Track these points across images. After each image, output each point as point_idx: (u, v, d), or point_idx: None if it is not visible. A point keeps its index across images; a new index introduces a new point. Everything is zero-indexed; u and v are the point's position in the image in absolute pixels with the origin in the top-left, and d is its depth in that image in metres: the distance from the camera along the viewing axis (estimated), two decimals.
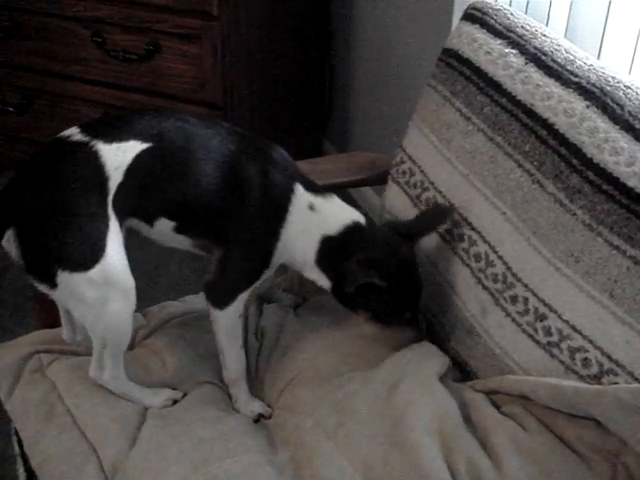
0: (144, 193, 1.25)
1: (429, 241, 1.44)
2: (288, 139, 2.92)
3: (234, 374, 1.36)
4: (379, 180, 1.69)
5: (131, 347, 1.45)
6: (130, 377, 1.34)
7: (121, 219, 1.24)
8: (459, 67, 1.47)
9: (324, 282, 1.34)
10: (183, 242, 1.35)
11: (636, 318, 1.09)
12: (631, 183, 1.12)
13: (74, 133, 1.22)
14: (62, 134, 1.23)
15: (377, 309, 1.33)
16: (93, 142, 1.20)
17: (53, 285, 1.20)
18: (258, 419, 1.33)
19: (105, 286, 1.21)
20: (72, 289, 1.21)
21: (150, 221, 1.30)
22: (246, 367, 1.39)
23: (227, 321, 1.33)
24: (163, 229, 1.31)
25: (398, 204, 1.56)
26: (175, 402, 1.32)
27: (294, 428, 1.25)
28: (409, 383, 1.24)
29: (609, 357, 1.11)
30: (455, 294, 1.38)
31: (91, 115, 2.58)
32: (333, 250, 1.31)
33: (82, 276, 1.19)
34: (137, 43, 2.48)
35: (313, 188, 1.33)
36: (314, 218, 1.30)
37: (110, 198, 1.20)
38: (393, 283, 1.28)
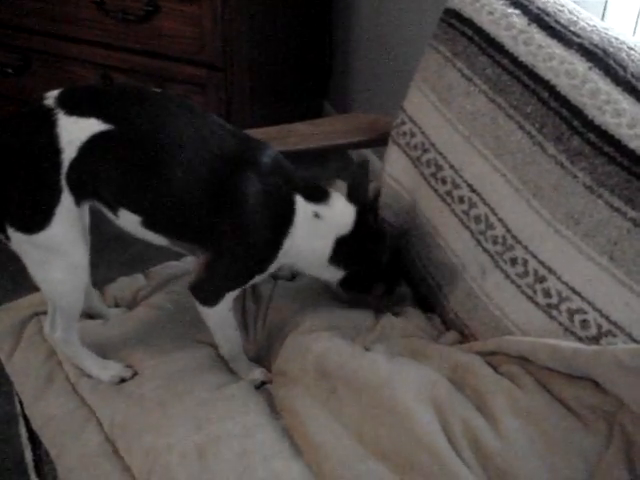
0: (99, 178, 1.18)
1: (429, 203, 1.44)
2: (288, 101, 2.94)
3: (230, 353, 1.35)
4: (380, 142, 1.68)
5: (132, 307, 1.46)
6: (129, 335, 1.35)
7: (80, 197, 1.18)
8: (461, 27, 1.45)
9: (335, 276, 1.36)
10: (157, 238, 1.26)
11: (636, 280, 1.09)
12: (632, 145, 1.11)
13: (50, 97, 1.16)
14: (44, 95, 1.18)
15: (393, 276, 1.41)
16: (57, 110, 1.14)
17: (7, 237, 1.19)
18: (260, 385, 1.33)
19: (48, 253, 1.19)
20: (19, 245, 1.19)
21: (113, 209, 1.22)
22: (246, 331, 1.39)
23: (216, 317, 1.30)
24: (128, 222, 1.23)
25: (399, 166, 1.55)
26: (123, 380, 1.29)
27: (285, 395, 1.25)
28: (387, 354, 1.26)
29: (608, 319, 1.12)
30: (455, 256, 1.38)
31: (89, 77, 2.55)
32: (350, 245, 1.32)
33: (26, 237, 1.17)
34: (136, 4, 2.43)
35: (314, 197, 1.28)
36: (322, 225, 1.29)
37: (63, 171, 1.15)
38: (399, 252, 1.42)
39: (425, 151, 1.48)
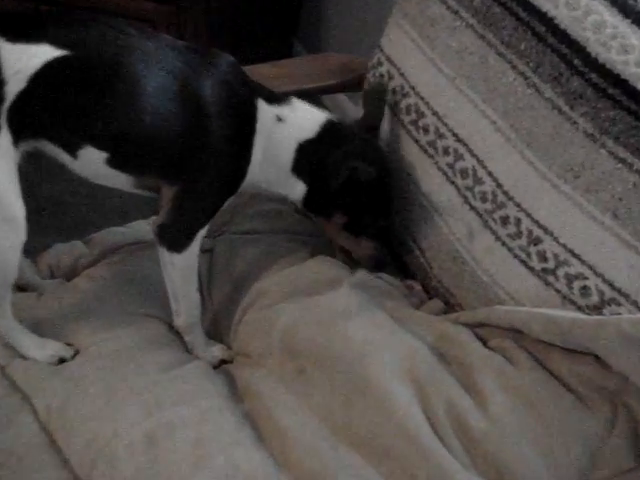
0: (60, 112, 1.17)
1: (409, 156, 1.44)
2: (252, 40, 2.90)
3: (188, 320, 1.34)
4: (354, 85, 1.69)
5: (70, 278, 1.44)
6: (68, 309, 1.33)
7: (20, 136, 1.16)
8: None
9: (298, 192, 1.36)
10: (120, 180, 1.28)
11: None
12: None
13: None
14: None
15: (356, 210, 1.36)
16: None
17: None
18: (219, 364, 1.33)
19: None
20: None
21: (72, 149, 1.21)
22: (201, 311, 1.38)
23: (185, 264, 1.30)
24: (91, 161, 1.22)
25: None
26: (63, 361, 1.27)
27: (248, 377, 1.25)
28: (362, 317, 1.25)
29: (611, 285, 1.12)
30: (438, 216, 1.38)
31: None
32: (312, 152, 1.33)
33: None
34: None
35: (274, 99, 1.33)
36: (285, 129, 1.32)
37: (5, 107, 1.12)
38: (377, 177, 1.32)
39: (404, 96, 1.47)
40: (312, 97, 1.50)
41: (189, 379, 1.24)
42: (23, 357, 1.28)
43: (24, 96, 1.13)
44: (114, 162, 1.23)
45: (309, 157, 1.33)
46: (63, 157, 1.23)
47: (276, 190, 1.38)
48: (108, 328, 1.32)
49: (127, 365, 1.25)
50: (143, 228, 1.56)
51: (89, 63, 1.16)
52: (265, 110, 1.30)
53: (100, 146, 1.21)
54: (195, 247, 1.29)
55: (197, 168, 1.25)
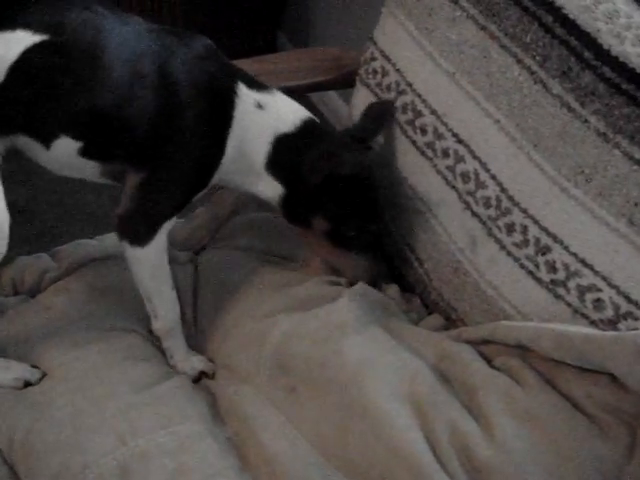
0: (38, 101, 1.18)
1: (405, 158, 1.45)
2: (234, 32, 2.90)
3: (167, 323, 1.34)
4: (345, 82, 1.68)
5: (35, 294, 1.44)
6: (30, 329, 1.32)
7: None
8: None
9: (273, 192, 1.35)
10: (87, 169, 1.29)
11: None
12: None
13: None
14: None
15: (338, 216, 1.34)
16: None
17: None
18: (199, 378, 1.32)
19: None
20: None
21: (46, 140, 1.23)
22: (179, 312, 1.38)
23: (151, 259, 1.30)
24: (64, 152, 1.24)
25: None
26: (29, 384, 1.26)
27: (232, 395, 1.24)
28: (360, 332, 1.24)
29: (627, 297, 1.12)
30: (438, 223, 1.38)
31: None
32: (290, 148, 1.33)
33: None
34: None
35: (256, 85, 1.34)
36: (264, 117, 1.32)
37: None
38: (359, 181, 1.33)
39: (400, 93, 1.47)
40: (299, 95, 1.50)
41: (166, 401, 1.23)
42: None
43: (3, 89, 1.14)
44: (87, 151, 1.25)
45: (285, 153, 1.33)
46: (36, 149, 1.24)
47: (248, 188, 1.38)
48: (77, 346, 1.31)
49: (97, 387, 1.25)
50: (115, 242, 1.53)
51: (68, 48, 1.18)
52: (245, 94, 1.31)
53: (76, 135, 1.22)
54: (160, 241, 1.29)
55: (166, 154, 1.26)
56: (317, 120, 1.38)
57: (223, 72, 1.31)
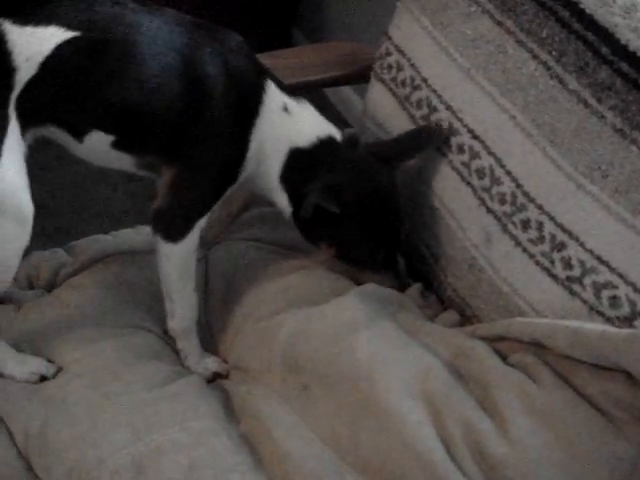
0: (70, 96, 1.19)
1: (419, 154, 1.43)
2: (248, 28, 2.87)
3: (184, 323, 1.34)
4: (360, 77, 1.68)
5: (50, 288, 1.44)
6: (46, 324, 1.32)
7: (27, 125, 1.18)
8: None
9: (285, 205, 1.35)
10: (123, 161, 1.31)
11: None
12: None
13: None
14: None
15: (342, 243, 1.35)
16: (0, 20, 1.13)
17: None
18: (213, 378, 1.32)
19: None
20: None
21: (79, 134, 1.24)
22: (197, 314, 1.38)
23: (182, 257, 1.31)
24: (97, 145, 1.26)
25: (383, 107, 1.55)
26: (44, 379, 1.27)
27: (245, 394, 1.24)
28: (371, 329, 1.23)
29: None
30: (453, 219, 1.38)
31: None
32: (301, 166, 1.32)
33: None
34: None
35: (287, 89, 1.34)
36: (287, 123, 1.32)
37: (14, 95, 1.14)
38: (358, 212, 1.32)
39: (415, 88, 1.47)
40: (314, 91, 1.50)
41: (180, 398, 1.23)
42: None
43: (34, 83, 1.15)
44: (119, 144, 1.27)
45: (294, 170, 1.33)
46: (66, 141, 1.26)
47: (269, 195, 1.37)
48: (92, 342, 1.32)
49: (112, 383, 1.26)
50: (131, 237, 1.56)
51: (99, 43, 1.19)
52: (274, 93, 1.31)
53: (107, 129, 1.24)
54: (193, 239, 1.30)
55: (195, 147, 1.27)
56: (339, 139, 1.34)
57: (253, 68, 1.31)
